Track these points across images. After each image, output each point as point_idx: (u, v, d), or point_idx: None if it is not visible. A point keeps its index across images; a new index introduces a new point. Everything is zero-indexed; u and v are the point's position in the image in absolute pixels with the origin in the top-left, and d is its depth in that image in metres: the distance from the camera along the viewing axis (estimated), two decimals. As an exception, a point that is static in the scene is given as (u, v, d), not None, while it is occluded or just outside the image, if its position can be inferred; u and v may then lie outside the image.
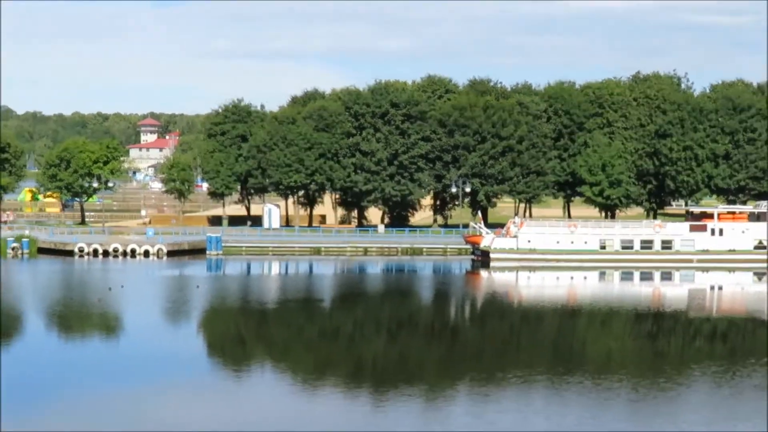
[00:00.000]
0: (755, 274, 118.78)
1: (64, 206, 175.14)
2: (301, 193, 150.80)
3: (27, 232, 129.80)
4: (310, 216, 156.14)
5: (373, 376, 63.47)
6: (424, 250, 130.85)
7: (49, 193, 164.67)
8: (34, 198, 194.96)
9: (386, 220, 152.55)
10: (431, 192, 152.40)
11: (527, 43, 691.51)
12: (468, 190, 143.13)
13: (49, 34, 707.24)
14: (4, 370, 61.98)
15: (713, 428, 47.57)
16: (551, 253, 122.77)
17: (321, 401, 55.22)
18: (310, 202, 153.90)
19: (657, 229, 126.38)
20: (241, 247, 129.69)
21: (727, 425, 50.05)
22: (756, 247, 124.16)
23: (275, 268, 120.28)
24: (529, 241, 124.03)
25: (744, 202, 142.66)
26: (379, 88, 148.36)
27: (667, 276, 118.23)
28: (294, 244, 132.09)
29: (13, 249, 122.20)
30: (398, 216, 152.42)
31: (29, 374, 60.47)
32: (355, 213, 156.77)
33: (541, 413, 52.44)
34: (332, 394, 57.10)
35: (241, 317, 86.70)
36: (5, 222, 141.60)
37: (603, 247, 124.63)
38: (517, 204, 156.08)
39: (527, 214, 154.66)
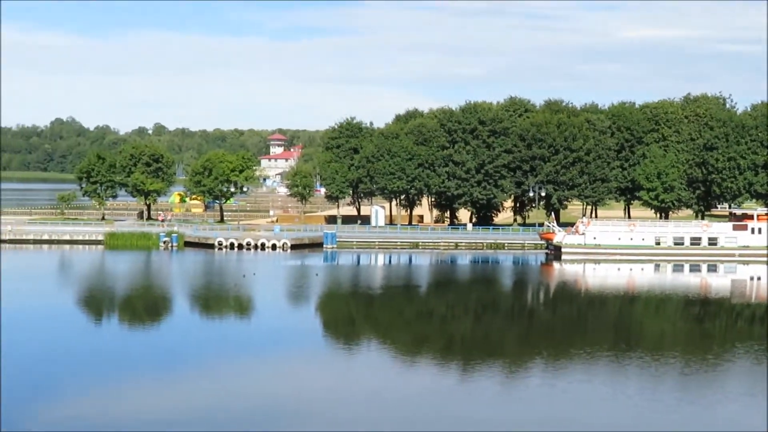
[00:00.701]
0: None
1: (207, 207, 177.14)
2: (402, 196, 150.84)
3: (176, 229, 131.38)
4: (410, 216, 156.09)
5: (461, 351, 63.30)
6: (506, 245, 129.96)
7: (194, 196, 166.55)
8: (182, 200, 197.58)
9: (474, 219, 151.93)
10: (512, 196, 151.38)
11: (593, 69, 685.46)
12: (543, 194, 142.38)
13: (192, 64, 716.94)
14: (159, 341, 63.00)
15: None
16: (613, 248, 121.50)
17: (417, 371, 55.29)
18: (410, 204, 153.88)
19: (704, 228, 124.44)
20: (352, 241, 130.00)
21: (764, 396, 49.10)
22: None
23: (380, 260, 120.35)
24: (594, 238, 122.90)
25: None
26: (469, 108, 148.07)
27: (712, 268, 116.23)
28: (396, 239, 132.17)
29: (164, 243, 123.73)
30: (484, 216, 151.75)
31: (176, 346, 61.29)
32: (447, 213, 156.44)
33: (606, 383, 51.94)
34: (427, 365, 57.15)
35: (352, 300, 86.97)
36: (162, 220, 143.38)
37: (658, 243, 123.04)
38: (584, 206, 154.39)
39: (593, 214, 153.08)
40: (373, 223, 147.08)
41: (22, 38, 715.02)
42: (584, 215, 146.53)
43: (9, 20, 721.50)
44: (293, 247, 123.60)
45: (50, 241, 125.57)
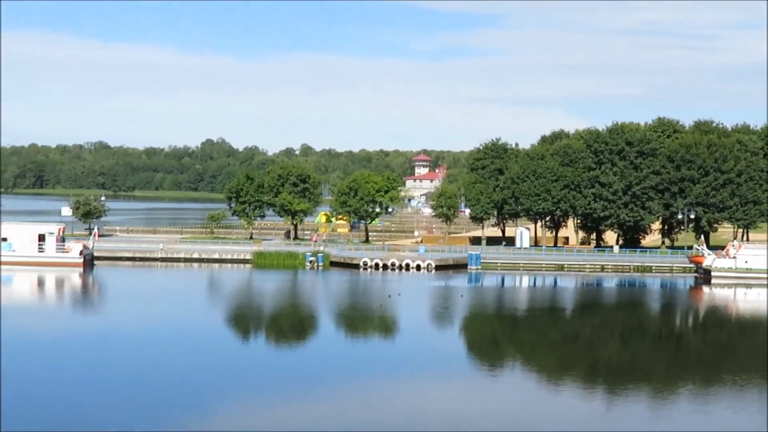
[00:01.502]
0: None
1: (352, 227, 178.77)
2: (548, 218, 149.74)
3: (322, 248, 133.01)
4: (555, 237, 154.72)
5: (607, 375, 62.36)
6: (653, 267, 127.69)
7: (339, 216, 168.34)
8: (328, 220, 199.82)
9: (620, 241, 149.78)
10: (660, 218, 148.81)
11: (743, 89, 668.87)
12: (692, 216, 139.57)
13: (339, 85, 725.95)
14: (304, 360, 63.87)
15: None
16: (766, 273, 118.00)
17: (562, 395, 54.66)
18: (555, 225, 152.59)
19: None
20: (497, 263, 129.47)
21: None
22: None
23: (525, 281, 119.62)
24: (746, 262, 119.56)
25: None
26: (616, 129, 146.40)
27: None
28: (541, 261, 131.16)
29: (310, 262, 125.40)
30: (631, 238, 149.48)
31: (321, 365, 61.96)
32: (593, 235, 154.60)
33: (762, 412, 50.38)
34: (571, 389, 56.42)
35: (496, 322, 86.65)
36: (315, 241, 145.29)
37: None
38: (735, 229, 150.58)
39: (745, 237, 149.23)
40: (517, 244, 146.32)
41: (175, 60, 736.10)
42: (735, 238, 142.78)
43: (164, 43, 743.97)
44: (437, 267, 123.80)
45: (200, 260, 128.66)
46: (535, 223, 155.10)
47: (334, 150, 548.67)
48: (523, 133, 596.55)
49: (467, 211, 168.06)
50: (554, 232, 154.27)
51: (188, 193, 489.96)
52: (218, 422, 45.86)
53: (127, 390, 51.78)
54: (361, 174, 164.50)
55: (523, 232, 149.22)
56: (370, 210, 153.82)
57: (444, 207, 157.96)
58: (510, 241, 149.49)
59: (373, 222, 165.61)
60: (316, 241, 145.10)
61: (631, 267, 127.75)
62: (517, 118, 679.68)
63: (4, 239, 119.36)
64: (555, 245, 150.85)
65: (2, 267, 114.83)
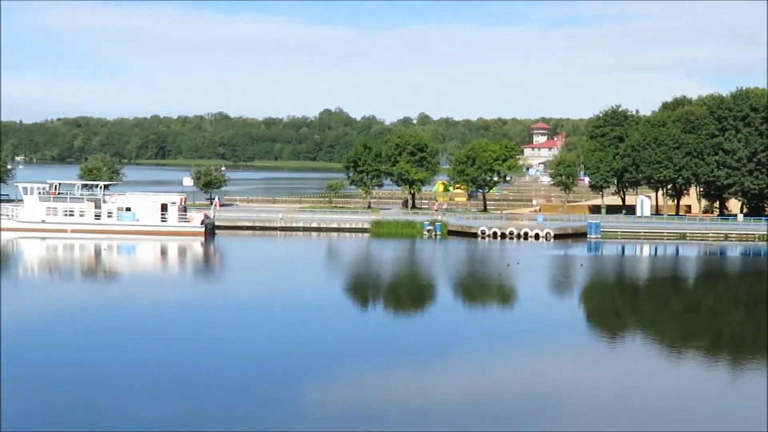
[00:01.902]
0: None
1: (470, 196, 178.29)
2: (669, 186, 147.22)
3: (439, 217, 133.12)
4: (677, 206, 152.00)
5: (730, 346, 61.24)
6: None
7: (457, 185, 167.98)
8: (445, 189, 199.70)
9: (745, 210, 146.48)
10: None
11: None
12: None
13: (456, 55, 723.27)
14: (423, 329, 64.09)
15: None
16: None
17: (683, 367, 53.89)
18: (677, 194, 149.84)
19: None
20: (617, 231, 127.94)
21: None
22: None
23: (645, 251, 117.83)
24: None
25: None
26: (741, 95, 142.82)
27: None
28: (662, 230, 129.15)
29: (428, 231, 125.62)
30: (756, 206, 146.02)
31: (440, 334, 62.09)
32: (716, 203, 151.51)
33: None
34: (693, 360, 55.57)
35: (616, 291, 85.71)
36: (437, 210, 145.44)
37: None
38: None
39: None
40: (638, 213, 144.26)
41: (293, 32, 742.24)
42: None
43: (282, 15, 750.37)
44: (556, 236, 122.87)
45: (318, 229, 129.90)
46: (656, 192, 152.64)
47: (451, 119, 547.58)
48: (644, 99, 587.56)
49: (586, 179, 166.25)
50: (676, 201, 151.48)
51: (306, 163, 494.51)
52: (339, 391, 46.35)
53: (251, 359, 52.68)
54: (478, 142, 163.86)
55: (643, 201, 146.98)
56: (488, 179, 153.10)
57: (563, 175, 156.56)
58: (630, 210, 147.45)
59: (491, 191, 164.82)
60: (437, 210, 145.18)
61: (756, 236, 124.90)
62: (638, 85, 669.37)
63: (128, 209, 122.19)
64: (676, 213, 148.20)
65: (126, 236, 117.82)
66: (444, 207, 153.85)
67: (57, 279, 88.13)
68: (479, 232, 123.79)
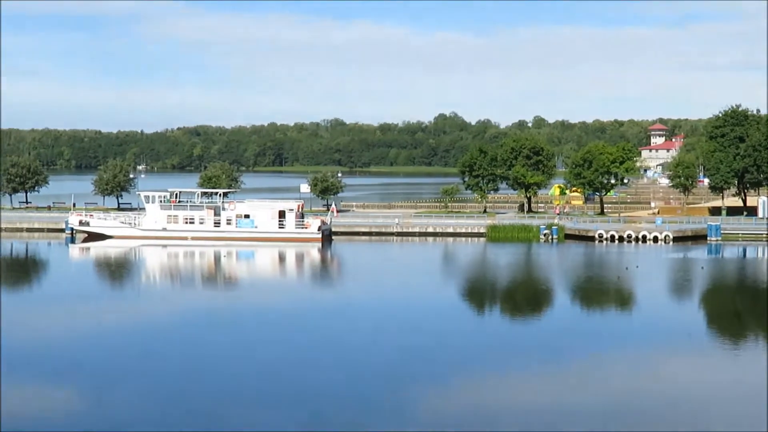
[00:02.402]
0: None
1: (586, 199, 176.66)
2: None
3: (556, 221, 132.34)
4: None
5: None
6: None
7: (574, 188, 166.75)
8: (562, 193, 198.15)
9: None
10: None
11: None
12: None
13: (573, 56, 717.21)
14: (540, 333, 63.90)
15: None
16: None
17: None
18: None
19: None
20: (738, 234, 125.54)
21: None
22: None
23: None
24: None
25: None
26: None
27: None
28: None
29: (544, 235, 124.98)
30: None
31: (557, 338, 61.79)
32: None
33: None
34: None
35: (738, 294, 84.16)
36: (558, 213, 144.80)
37: None
38: None
39: None
40: (760, 214, 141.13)
41: (407, 37, 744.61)
42: None
43: (396, 20, 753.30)
44: (675, 239, 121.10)
45: (435, 234, 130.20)
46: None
47: (567, 121, 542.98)
48: (765, 99, 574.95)
49: (706, 180, 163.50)
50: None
51: (422, 168, 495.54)
52: (455, 394, 46.56)
53: (368, 362, 53.23)
54: (595, 145, 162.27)
55: (765, 202, 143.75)
56: (605, 181, 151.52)
57: (682, 177, 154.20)
58: (751, 211, 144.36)
59: (608, 193, 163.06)
60: (558, 214, 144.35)
61: None
62: (758, 85, 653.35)
63: (247, 216, 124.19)
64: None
65: (244, 243, 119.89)
66: (565, 210, 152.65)
67: (178, 286, 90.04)
68: (597, 236, 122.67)
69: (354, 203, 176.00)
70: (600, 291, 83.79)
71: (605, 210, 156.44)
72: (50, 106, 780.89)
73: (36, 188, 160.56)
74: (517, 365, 52.88)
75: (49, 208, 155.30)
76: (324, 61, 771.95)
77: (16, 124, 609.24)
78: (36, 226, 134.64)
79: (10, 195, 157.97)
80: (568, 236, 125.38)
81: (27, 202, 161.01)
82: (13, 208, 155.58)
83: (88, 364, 52.59)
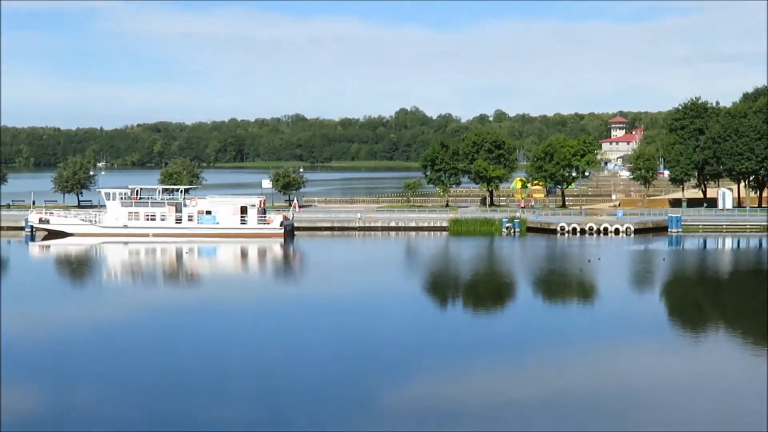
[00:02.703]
0: None
1: (548, 192, 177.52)
2: (751, 178, 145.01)
3: (518, 214, 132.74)
4: (759, 198, 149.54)
5: (818, 340, 60.16)
6: None
7: (535, 181, 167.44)
8: (524, 186, 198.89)
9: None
10: None
11: None
12: None
13: (531, 51, 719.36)
14: (503, 326, 64.03)
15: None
16: None
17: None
18: (759, 185, 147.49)
19: None
20: (698, 225, 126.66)
21: None
22: None
23: (729, 244, 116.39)
24: None
25: None
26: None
27: None
28: (745, 223, 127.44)
29: (507, 228, 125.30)
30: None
31: (520, 331, 62.02)
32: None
33: None
34: (780, 354, 54.74)
35: (699, 286, 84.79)
36: (523, 207, 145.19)
37: None
38: None
39: None
40: (720, 205, 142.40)
41: (368, 32, 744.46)
42: None
43: (356, 15, 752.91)
44: (637, 231, 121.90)
45: (397, 228, 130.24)
46: (738, 184, 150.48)
47: (528, 115, 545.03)
48: (724, 91, 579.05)
49: (666, 173, 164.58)
50: (759, 193, 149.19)
51: (383, 163, 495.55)
52: (417, 389, 46.56)
53: (329, 358, 53.11)
54: (556, 138, 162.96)
55: (725, 193, 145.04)
56: (567, 174, 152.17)
57: (642, 169, 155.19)
58: (711, 203, 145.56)
59: (570, 186, 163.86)
60: (523, 207, 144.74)
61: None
62: (717, 77, 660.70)
63: (208, 212, 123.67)
64: (759, 206, 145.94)
65: (206, 239, 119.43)
66: (531, 204, 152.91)
67: (140, 283, 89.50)
68: (558, 229, 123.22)
69: (316, 198, 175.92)
70: (562, 284, 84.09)
71: (567, 203, 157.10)
72: (7, 104, 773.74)
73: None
74: (478, 359, 52.88)
75: (8, 206, 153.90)
76: (285, 56, 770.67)
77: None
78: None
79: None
80: (531, 229, 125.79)
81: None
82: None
83: (49, 363, 52.16)
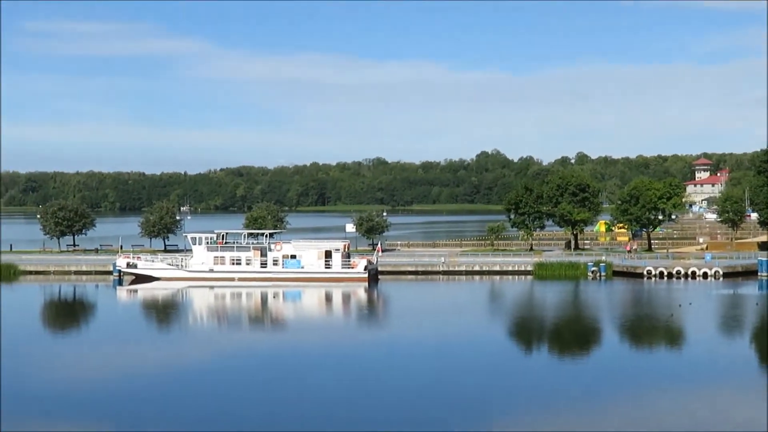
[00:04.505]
0: None
1: (633, 236, 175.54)
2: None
3: (603, 258, 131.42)
4: None
5: None
6: None
7: (619, 224, 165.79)
8: (607, 229, 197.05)
9: None
10: None
11: None
12: None
13: (614, 93, 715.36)
14: (588, 371, 63.18)
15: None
16: None
17: None
18: None
19: None
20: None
21: None
22: None
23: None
24: None
25: None
26: None
27: None
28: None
29: (592, 272, 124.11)
30: None
31: (606, 376, 61.13)
32: None
33: None
34: None
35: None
36: (629, 251, 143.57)
37: None
38: None
39: None
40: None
41: (447, 75, 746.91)
42: None
43: (435, 59, 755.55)
44: (725, 275, 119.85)
45: (481, 272, 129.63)
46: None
47: (610, 157, 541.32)
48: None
49: (754, 215, 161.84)
50: None
51: (464, 206, 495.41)
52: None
53: (416, 402, 52.88)
54: (641, 181, 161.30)
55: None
56: (652, 217, 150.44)
57: (730, 212, 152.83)
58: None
59: (655, 229, 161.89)
60: (629, 251, 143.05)
61: None
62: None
63: (293, 257, 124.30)
64: None
65: (291, 283, 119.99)
66: (635, 248, 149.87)
67: (225, 327, 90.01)
68: (645, 272, 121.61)
69: (399, 242, 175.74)
70: (650, 328, 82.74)
71: (652, 246, 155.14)
72: (94, 149, 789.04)
73: (83, 231, 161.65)
74: (563, 404, 52.19)
75: (96, 250, 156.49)
76: (365, 100, 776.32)
77: (61, 167, 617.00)
78: (84, 268, 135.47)
79: (58, 238, 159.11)
80: (616, 273, 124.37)
81: (75, 245, 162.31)
82: (61, 251, 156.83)
83: (130, 404, 52.55)
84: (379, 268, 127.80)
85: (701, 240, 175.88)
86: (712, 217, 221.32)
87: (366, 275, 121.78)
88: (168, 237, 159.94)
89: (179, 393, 56.21)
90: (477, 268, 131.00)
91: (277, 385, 58.13)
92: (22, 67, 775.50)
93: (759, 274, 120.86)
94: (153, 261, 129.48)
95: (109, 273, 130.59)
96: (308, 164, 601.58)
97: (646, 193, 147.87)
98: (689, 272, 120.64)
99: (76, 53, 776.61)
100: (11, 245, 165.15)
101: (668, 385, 57.76)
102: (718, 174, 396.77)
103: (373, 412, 50.82)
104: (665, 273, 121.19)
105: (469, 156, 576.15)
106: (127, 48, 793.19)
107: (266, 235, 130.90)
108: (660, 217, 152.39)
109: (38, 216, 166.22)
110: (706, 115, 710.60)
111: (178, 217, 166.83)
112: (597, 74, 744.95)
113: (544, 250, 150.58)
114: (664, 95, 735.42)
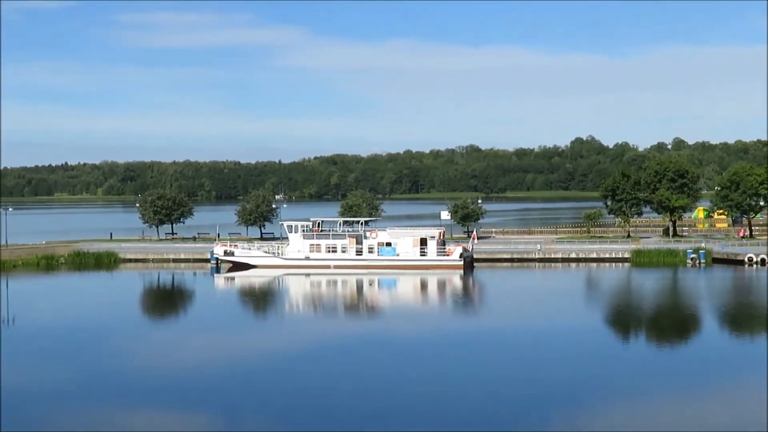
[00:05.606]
0: None
1: (734, 222, 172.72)
2: None
3: (703, 245, 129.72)
4: None
5: None
6: None
7: (718, 211, 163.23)
8: (707, 216, 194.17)
9: None
10: None
11: None
12: None
13: (710, 76, 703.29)
14: (686, 359, 62.52)
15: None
16: None
17: None
18: None
19: None
20: None
21: None
22: None
23: None
24: None
25: None
26: None
27: None
28: None
29: (691, 259, 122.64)
30: None
31: (705, 364, 60.38)
32: None
33: None
34: None
35: None
36: (743, 236, 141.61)
37: None
38: None
39: None
40: None
41: (541, 61, 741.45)
42: None
43: (529, 45, 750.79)
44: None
45: (577, 260, 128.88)
46: None
47: (708, 142, 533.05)
48: None
49: None
50: None
51: (559, 193, 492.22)
52: (605, 422, 45.88)
53: (511, 389, 52.91)
54: (742, 166, 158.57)
55: None
56: (753, 203, 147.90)
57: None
58: None
59: (756, 216, 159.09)
60: (742, 236, 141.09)
61: None
62: None
63: (389, 244, 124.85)
64: None
65: (386, 271, 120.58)
66: (747, 234, 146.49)
67: (321, 314, 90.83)
68: (746, 259, 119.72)
69: (494, 229, 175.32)
70: (749, 316, 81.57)
71: (753, 233, 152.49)
72: (190, 139, 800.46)
73: (181, 219, 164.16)
74: (662, 392, 51.73)
75: (194, 238, 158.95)
76: (458, 87, 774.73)
77: (158, 157, 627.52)
78: (182, 256, 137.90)
79: (157, 227, 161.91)
80: (716, 260, 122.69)
81: (173, 234, 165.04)
82: (160, 240, 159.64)
83: (225, 390, 53.23)
84: (475, 256, 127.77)
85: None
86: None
87: (461, 263, 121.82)
88: (264, 225, 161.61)
89: (277, 381, 56.87)
90: (573, 255, 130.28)
91: (374, 373, 58.52)
92: (118, 60, 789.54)
93: None
94: (250, 249, 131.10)
95: (207, 261, 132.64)
96: (401, 152, 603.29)
97: (746, 178, 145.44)
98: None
99: (171, 45, 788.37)
100: (111, 233, 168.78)
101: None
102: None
103: (465, 403, 50.86)
104: (767, 260, 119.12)
105: (563, 142, 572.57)
106: (222, 39, 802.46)
107: (361, 223, 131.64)
108: (761, 203, 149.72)
109: (137, 205, 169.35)
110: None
111: (273, 206, 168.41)
112: (691, 56, 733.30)
113: (642, 237, 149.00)
114: (762, 78, 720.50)
